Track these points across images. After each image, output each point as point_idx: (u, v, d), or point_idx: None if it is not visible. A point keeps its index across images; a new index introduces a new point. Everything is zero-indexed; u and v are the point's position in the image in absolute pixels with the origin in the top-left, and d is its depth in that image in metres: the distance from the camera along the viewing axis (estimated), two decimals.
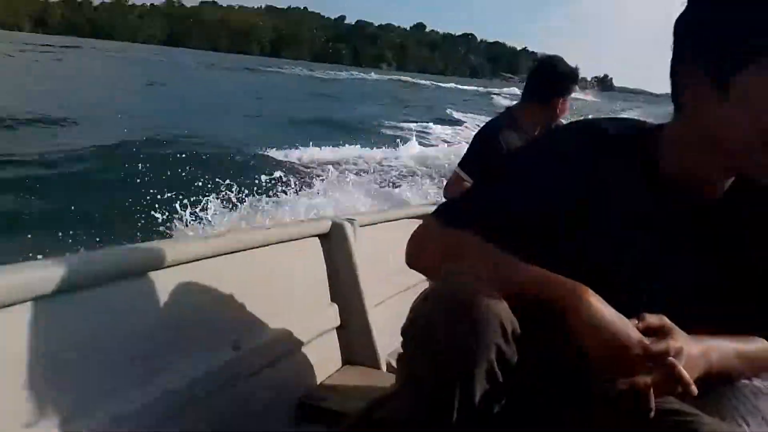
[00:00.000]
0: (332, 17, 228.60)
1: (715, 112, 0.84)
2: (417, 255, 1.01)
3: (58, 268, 0.95)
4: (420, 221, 2.41)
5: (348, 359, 1.72)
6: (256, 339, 1.38)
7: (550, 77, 2.50)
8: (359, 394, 1.54)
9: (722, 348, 0.93)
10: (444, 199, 2.67)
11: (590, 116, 1.18)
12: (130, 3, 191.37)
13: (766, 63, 0.79)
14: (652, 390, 0.81)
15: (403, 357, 0.85)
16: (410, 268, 1.02)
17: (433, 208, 2.51)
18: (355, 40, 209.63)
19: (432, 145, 13.91)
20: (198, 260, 1.25)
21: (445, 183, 2.74)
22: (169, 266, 1.17)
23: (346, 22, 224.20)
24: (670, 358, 0.81)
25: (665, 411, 0.86)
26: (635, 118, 1.02)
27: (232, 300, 1.35)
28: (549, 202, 0.93)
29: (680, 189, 0.93)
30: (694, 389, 0.80)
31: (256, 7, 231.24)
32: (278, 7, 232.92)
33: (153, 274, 1.15)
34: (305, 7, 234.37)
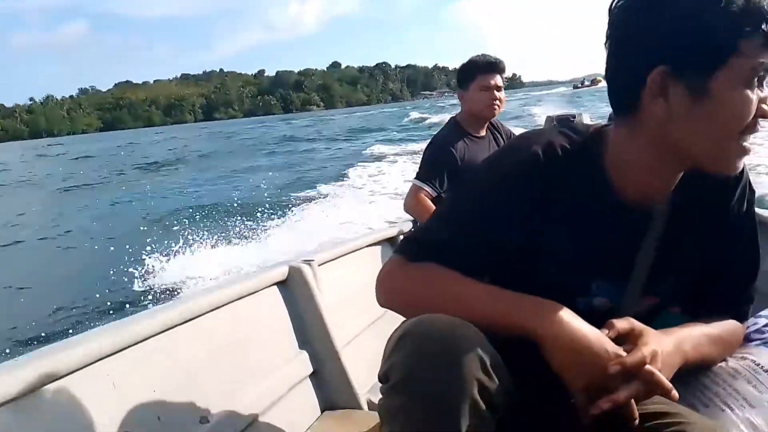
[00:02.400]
0: (251, 73, 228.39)
1: (688, 116, 0.82)
2: (387, 295, 0.95)
3: None
4: (379, 247, 2.29)
5: (327, 405, 1.59)
6: (226, 406, 1.24)
7: (459, 71, 2.71)
8: None
9: (694, 336, 0.92)
10: (405, 213, 2.59)
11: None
12: (58, 99, 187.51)
13: (732, 63, 0.78)
14: (633, 401, 0.79)
15: (383, 404, 0.78)
16: (382, 307, 0.96)
17: (389, 231, 2.37)
18: (281, 90, 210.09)
19: None
20: (149, 337, 1.11)
21: (404, 198, 2.69)
22: (116, 352, 1.03)
23: (266, 74, 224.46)
24: (647, 366, 0.79)
25: (652, 414, 0.85)
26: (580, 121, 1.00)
27: (194, 371, 1.21)
28: (506, 226, 0.90)
29: (631, 191, 0.91)
30: (675, 394, 0.79)
31: (171, 78, 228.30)
32: (193, 73, 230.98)
33: (100, 365, 1.00)
34: (221, 69, 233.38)
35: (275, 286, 1.56)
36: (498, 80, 2.57)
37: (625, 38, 0.85)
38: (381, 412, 0.79)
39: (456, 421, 0.72)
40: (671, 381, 0.81)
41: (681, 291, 0.98)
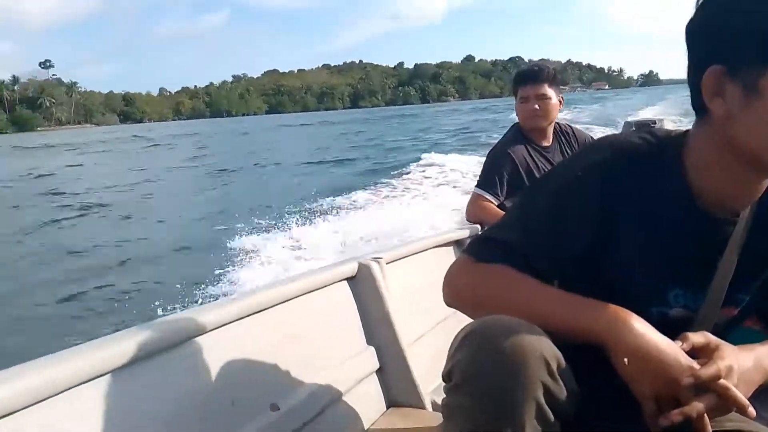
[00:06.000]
0: (388, 65, 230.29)
1: (745, 115, 0.74)
2: (454, 295, 0.90)
3: (78, 356, 0.86)
4: (448, 248, 2.14)
5: (391, 402, 1.53)
6: (295, 395, 1.24)
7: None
8: None
9: None
10: (467, 221, 2.43)
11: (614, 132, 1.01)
12: (230, 84, 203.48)
13: None
14: (706, 416, 0.69)
15: (447, 404, 0.74)
16: (448, 306, 0.91)
17: (458, 233, 2.20)
18: (419, 81, 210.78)
19: None
20: (223, 325, 1.13)
21: (465, 205, 2.54)
22: (192, 337, 1.06)
23: (405, 66, 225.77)
24: (722, 381, 0.70)
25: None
26: (663, 128, 0.91)
27: (265, 360, 1.22)
28: (579, 229, 0.83)
29: (711, 197, 0.80)
30: (752, 411, 0.70)
31: (315, 68, 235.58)
32: (333, 64, 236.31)
33: (177, 349, 1.03)
34: (360, 60, 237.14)
35: (345, 282, 1.53)
36: (540, 89, 2.35)
37: (689, 38, 0.77)
38: (443, 411, 0.75)
39: (520, 424, 0.66)
40: (749, 399, 0.73)
41: (761, 303, 0.86)
